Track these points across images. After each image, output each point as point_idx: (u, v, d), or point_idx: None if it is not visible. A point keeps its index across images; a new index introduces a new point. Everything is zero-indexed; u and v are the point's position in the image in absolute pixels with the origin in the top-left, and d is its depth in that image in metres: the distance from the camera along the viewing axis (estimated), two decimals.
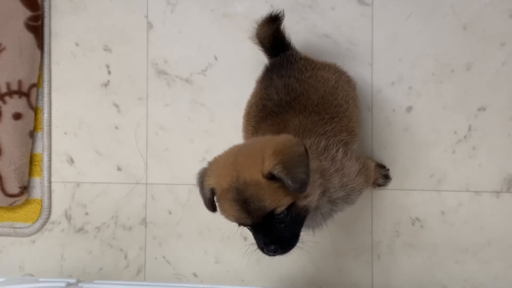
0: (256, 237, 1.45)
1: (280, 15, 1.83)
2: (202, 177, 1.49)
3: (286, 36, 1.89)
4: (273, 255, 1.45)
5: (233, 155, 1.46)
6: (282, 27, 1.86)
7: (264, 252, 1.45)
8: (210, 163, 1.50)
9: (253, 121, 1.75)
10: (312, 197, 1.44)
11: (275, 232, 1.41)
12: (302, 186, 1.35)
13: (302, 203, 1.42)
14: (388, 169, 2.01)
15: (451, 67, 1.98)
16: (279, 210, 1.38)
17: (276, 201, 1.37)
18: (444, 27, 1.99)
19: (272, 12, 1.83)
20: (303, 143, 1.45)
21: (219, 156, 1.50)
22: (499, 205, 1.96)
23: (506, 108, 1.95)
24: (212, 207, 1.47)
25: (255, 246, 1.48)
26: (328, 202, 1.56)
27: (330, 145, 1.58)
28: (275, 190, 1.36)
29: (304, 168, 1.37)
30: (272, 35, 1.87)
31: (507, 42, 1.94)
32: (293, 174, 1.34)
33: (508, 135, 1.94)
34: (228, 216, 1.43)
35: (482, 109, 1.96)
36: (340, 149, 1.59)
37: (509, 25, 1.95)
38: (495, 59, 1.96)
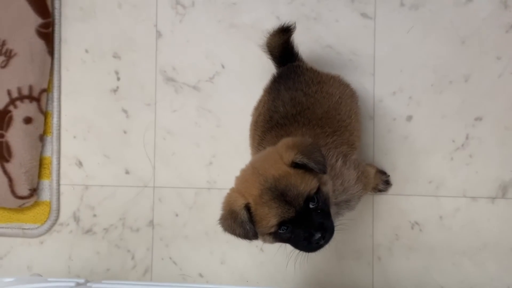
0: (297, 234, 1.48)
1: (291, 27, 1.90)
2: (227, 206, 1.52)
3: (295, 47, 1.96)
4: (320, 244, 1.48)
5: (249, 168, 1.55)
6: (292, 38, 1.93)
7: (310, 246, 1.48)
8: (230, 190, 1.55)
9: (260, 130, 1.82)
10: (328, 185, 1.53)
11: (315, 220, 1.46)
12: (324, 166, 1.46)
13: (324, 189, 1.50)
14: (389, 175, 2.08)
15: (450, 79, 2.06)
16: (312, 192, 1.45)
17: (307, 184, 1.45)
18: (444, 40, 2.07)
19: (284, 24, 1.89)
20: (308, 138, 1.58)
21: (236, 179, 1.56)
22: (494, 210, 2.03)
23: (502, 118, 2.03)
24: (253, 229, 1.48)
25: (296, 251, 1.53)
26: (335, 204, 1.63)
27: (329, 156, 1.66)
28: (303, 175, 1.46)
29: (319, 153, 1.49)
30: (282, 45, 1.93)
31: (503, 56, 2.03)
32: (313, 158, 1.46)
33: (504, 144, 2.03)
34: (269, 219, 1.45)
35: (479, 118, 2.04)
36: (340, 159, 1.67)
37: (505, 40, 2.03)
38: (492, 71, 2.04)
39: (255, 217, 1.47)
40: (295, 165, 1.46)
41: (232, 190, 1.54)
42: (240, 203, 1.48)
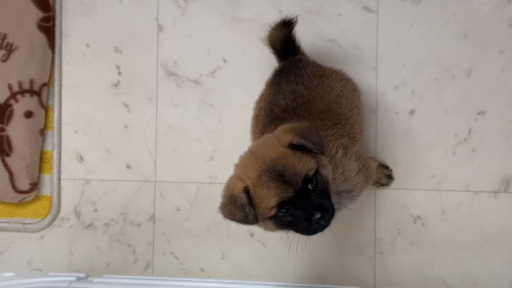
0: (296, 216, 1.47)
1: (293, 21, 1.90)
2: (227, 192, 1.52)
3: (297, 41, 1.96)
4: (321, 225, 1.47)
5: (248, 153, 1.56)
6: (293, 32, 1.93)
7: (310, 227, 1.47)
8: (229, 178, 1.56)
9: (261, 124, 1.82)
10: (328, 170, 1.53)
11: (315, 200, 1.46)
12: (321, 146, 1.48)
13: (323, 172, 1.50)
14: (391, 170, 2.08)
15: (453, 73, 2.06)
16: (311, 173, 1.46)
17: (306, 164, 1.46)
18: (446, 34, 2.07)
19: (286, 17, 1.89)
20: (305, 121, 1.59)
21: (235, 166, 1.57)
22: (497, 205, 2.04)
23: (505, 112, 2.03)
24: (253, 212, 1.48)
25: (297, 235, 1.53)
26: (335, 194, 1.63)
27: (329, 147, 1.66)
28: (300, 155, 1.47)
29: (316, 134, 1.51)
30: (284, 38, 1.93)
31: (506, 50, 2.03)
32: (311, 139, 1.47)
33: (506, 138, 2.03)
34: (268, 200, 1.45)
35: (481, 113, 2.04)
36: (340, 150, 1.68)
37: (508, 33, 2.03)
38: (495, 65, 2.04)
39: (254, 199, 1.47)
40: (292, 146, 1.47)
41: (231, 176, 1.55)
42: (239, 187, 1.49)
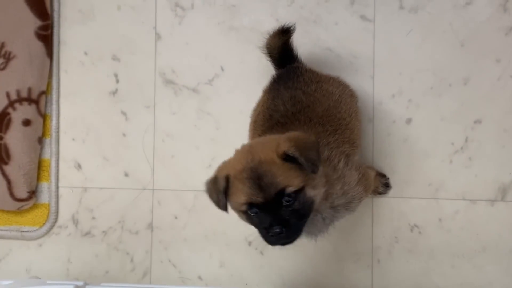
0: (261, 221, 1.49)
1: (291, 29, 1.91)
2: (216, 172, 1.57)
3: (294, 49, 1.97)
4: (277, 237, 1.47)
5: (248, 145, 1.58)
6: (291, 40, 1.94)
7: (268, 234, 1.48)
8: (224, 161, 1.59)
9: (259, 130, 1.82)
10: (318, 191, 1.52)
11: (282, 215, 1.46)
12: (315, 166, 1.46)
13: (309, 192, 1.49)
14: (388, 178, 2.08)
15: (449, 81, 2.07)
16: (289, 190, 1.45)
17: (288, 179, 1.45)
18: (443, 43, 2.07)
19: (284, 25, 1.91)
20: (313, 136, 1.58)
21: (235, 151, 1.59)
22: (494, 213, 2.04)
23: (501, 120, 2.03)
24: (224, 201, 1.52)
25: (260, 237, 1.53)
26: (330, 208, 1.63)
27: (332, 156, 1.65)
28: (288, 169, 1.46)
29: (316, 152, 1.48)
30: (281, 46, 1.94)
31: (502, 58, 2.03)
32: (306, 155, 1.45)
33: (503, 146, 2.03)
34: (239, 196, 1.48)
35: (478, 121, 2.05)
36: (342, 159, 1.67)
37: (504, 42, 2.03)
38: (491, 74, 2.04)
39: (231, 189, 1.50)
40: (287, 157, 1.46)
41: (227, 160, 1.58)
42: (223, 172, 1.52)
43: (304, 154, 1.45)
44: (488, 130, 2.04)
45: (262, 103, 1.90)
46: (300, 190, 1.47)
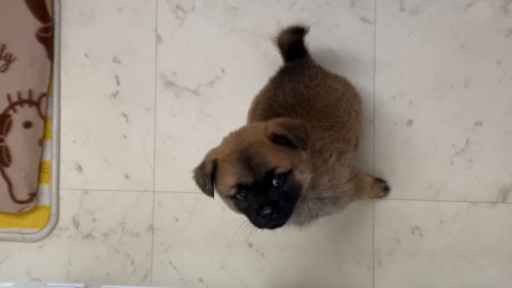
0: (251, 203, 1.48)
1: (306, 29, 1.91)
2: (204, 158, 1.59)
3: (305, 45, 1.96)
4: (268, 219, 1.47)
5: (237, 131, 1.60)
6: (304, 39, 1.94)
7: (258, 217, 1.47)
8: (212, 148, 1.61)
9: (257, 119, 1.82)
10: (306, 175, 1.52)
11: (272, 196, 1.46)
12: (304, 142, 1.48)
13: (298, 176, 1.50)
14: (386, 181, 2.09)
15: (450, 83, 2.07)
16: (279, 171, 1.46)
17: (278, 160, 1.47)
18: (444, 45, 2.08)
19: (299, 24, 1.91)
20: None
21: (222, 139, 1.61)
22: (495, 215, 2.04)
23: (502, 122, 2.04)
24: (210, 185, 1.53)
25: (249, 222, 1.53)
26: (317, 199, 1.63)
27: (324, 150, 1.66)
28: (277, 150, 1.48)
29: (304, 131, 1.51)
30: (292, 43, 1.94)
31: (503, 60, 2.03)
32: (295, 133, 1.48)
33: (504, 148, 2.03)
34: (228, 178, 1.48)
35: (479, 123, 2.05)
36: (334, 155, 1.67)
37: (505, 44, 2.04)
38: (492, 76, 2.04)
39: (218, 173, 1.51)
40: (275, 139, 1.48)
41: (213, 148, 1.60)
42: (211, 157, 1.54)
43: (292, 132, 1.48)
44: (489, 132, 2.05)
45: (264, 91, 1.92)
46: (289, 173, 1.48)
